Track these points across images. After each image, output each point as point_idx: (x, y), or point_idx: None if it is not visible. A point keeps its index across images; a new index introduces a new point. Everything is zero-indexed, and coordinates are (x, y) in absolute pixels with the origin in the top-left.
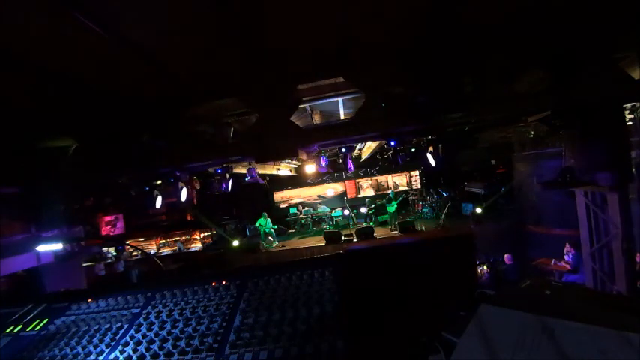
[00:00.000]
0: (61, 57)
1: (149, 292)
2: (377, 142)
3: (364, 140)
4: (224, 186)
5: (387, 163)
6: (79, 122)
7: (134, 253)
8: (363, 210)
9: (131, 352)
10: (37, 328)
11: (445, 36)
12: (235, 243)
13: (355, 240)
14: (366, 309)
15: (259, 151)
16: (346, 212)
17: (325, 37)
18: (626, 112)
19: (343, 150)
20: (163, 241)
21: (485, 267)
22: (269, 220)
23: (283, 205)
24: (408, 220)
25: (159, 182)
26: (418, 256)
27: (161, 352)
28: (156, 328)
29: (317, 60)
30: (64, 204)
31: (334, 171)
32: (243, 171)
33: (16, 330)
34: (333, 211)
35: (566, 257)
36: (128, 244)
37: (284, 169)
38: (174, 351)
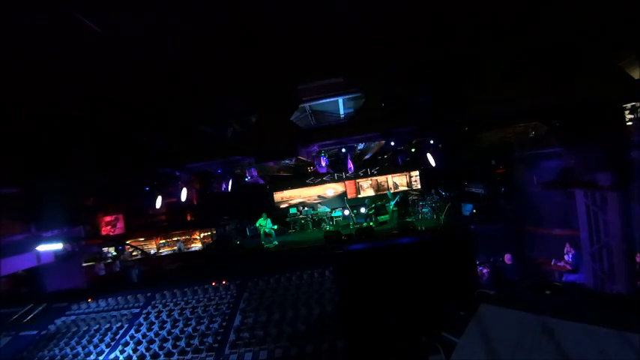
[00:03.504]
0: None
1: (149, 292)
2: (377, 142)
3: (364, 140)
4: (224, 186)
5: (387, 163)
6: (78, 122)
7: (134, 253)
8: (363, 210)
9: (131, 352)
10: (37, 328)
11: (446, 36)
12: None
13: (355, 240)
14: (366, 309)
15: (259, 151)
16: (346, 212)
17: (326, 38)
18: (626, 112)
19: (343, 150)
20: (163, 241)
21: (485, 267)
22: (269, 220)
23: (283, 205)
24: (408, 220)
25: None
26: (418, 256)
27: (161, 352)
28: (156, 328)
29: (317, 60)
30: (64, 204)
31: (334, 171)
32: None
33: (16, 330)
34: (333, 211)
35: (566, 257)
36: (128, 244)
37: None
38: (174, 351)
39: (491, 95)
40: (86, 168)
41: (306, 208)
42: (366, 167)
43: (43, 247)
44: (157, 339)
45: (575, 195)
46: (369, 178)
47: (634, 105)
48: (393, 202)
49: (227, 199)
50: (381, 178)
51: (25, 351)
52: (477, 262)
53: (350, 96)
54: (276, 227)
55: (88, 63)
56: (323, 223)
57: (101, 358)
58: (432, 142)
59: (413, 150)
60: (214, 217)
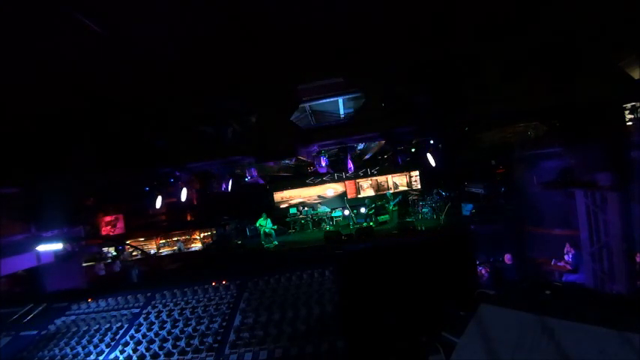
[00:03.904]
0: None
1: (149, 292)
2: (377, 142)
3: (364, 140)
4: (224, 186)
5: (387, 163)
6: (78, 122)
7: (134, 253)
8: (363, 210)
9: (131, 352)
10: (37, 328)
11: (446, 36)
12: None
13: (355, 240)
14: (366, 309)
15: (259, 151)
16: (346, 212)
17: (326, 38)
18: (626, 112)
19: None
20: (163, 241)
21: (485, 267)
22: (269, 220)
23: (283, 205)
24: (408, 220)
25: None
26: (418, 256)
27: (161, 352)
28: (156, 328)
29: (317, 60)
30: (64, 204)
31: (334, 171)
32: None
33: (16, 330)
34: (333, 211)
35: (566, 257)
36: (128, 244)
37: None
38: (174, 351)
39: (491, 95)
40: (86, 168)
41: (306, 208)
42: (366, 167)
43: (43, 247)
44: (157, 339)
45: (575, 195)
46: (369, 178)
47: (634, 105)
48: (393, 203)
49: (227, 199)
50: (381, 178)
51: (25, 351)
52: (477, 262)
53: (350, 96)
54: (275, 227)
55: (88, 63)
56: (323, 223)
57: (101, 358)
58: (432, 142)
59: (413, 150)
60: (214, 217)
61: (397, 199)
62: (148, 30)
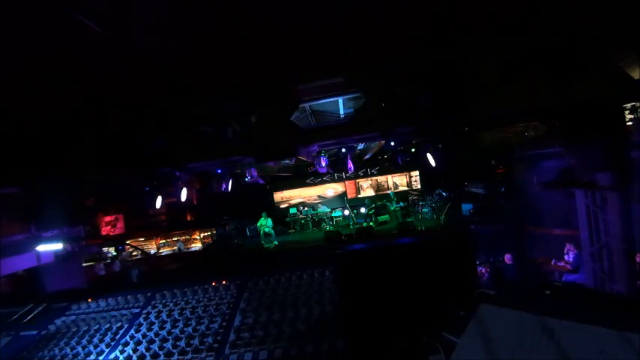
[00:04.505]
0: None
1: (149, 292)
2: (377, 142)
3: (364, 140)
4: (224, 186)
5: (387, 163)
6: (78, 122)
7: (134, 253)
8: (363, 210)
9: (131, 352)
10: (37, 328)
11: (446, 36)
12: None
13: (355, 240)
14: (366, 309)
15: (259, 151)
16: (346, 212)
17: (326, 38)
18: (626, 112)
19: (343, 150)
20: (163, 241)
21: (485, 267)
22: (269, 219)
23: (283, 205)
24: (408, 220)
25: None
26: (418, 256)
27: (161, 352)
28: (156, 328)
29: (317, 60)
30: (64, 204)
31: (334, 171)
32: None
33: (16, 330)
34: (333, 211)
35: (566, 257)
36: (128, 244)
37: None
38: (174, 351)
39: (491, 95)
40: (86, 168)
41: (306, 208)
42: (366, 167)
43: (43, 247)
44: (157, 339)
45: (575, 195)
46: (369, 178)
47: (634, 105)
48: (395, 203)
49: (227, 199)
50: (381, 178)
51: (25, 351)
52: (477, 262)
53: (350, 96)
54: (276, 227)
55: (87, 63)
56: (323, 223)
57: (101, 358)
58: (432, 141)
59: (413, 150)
60: (214, 217)
61: (400, 205)
62: (148, 30)
